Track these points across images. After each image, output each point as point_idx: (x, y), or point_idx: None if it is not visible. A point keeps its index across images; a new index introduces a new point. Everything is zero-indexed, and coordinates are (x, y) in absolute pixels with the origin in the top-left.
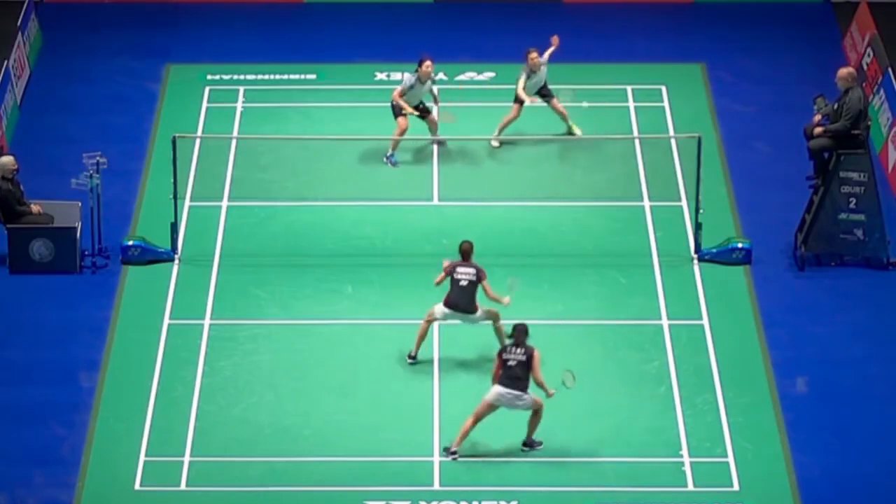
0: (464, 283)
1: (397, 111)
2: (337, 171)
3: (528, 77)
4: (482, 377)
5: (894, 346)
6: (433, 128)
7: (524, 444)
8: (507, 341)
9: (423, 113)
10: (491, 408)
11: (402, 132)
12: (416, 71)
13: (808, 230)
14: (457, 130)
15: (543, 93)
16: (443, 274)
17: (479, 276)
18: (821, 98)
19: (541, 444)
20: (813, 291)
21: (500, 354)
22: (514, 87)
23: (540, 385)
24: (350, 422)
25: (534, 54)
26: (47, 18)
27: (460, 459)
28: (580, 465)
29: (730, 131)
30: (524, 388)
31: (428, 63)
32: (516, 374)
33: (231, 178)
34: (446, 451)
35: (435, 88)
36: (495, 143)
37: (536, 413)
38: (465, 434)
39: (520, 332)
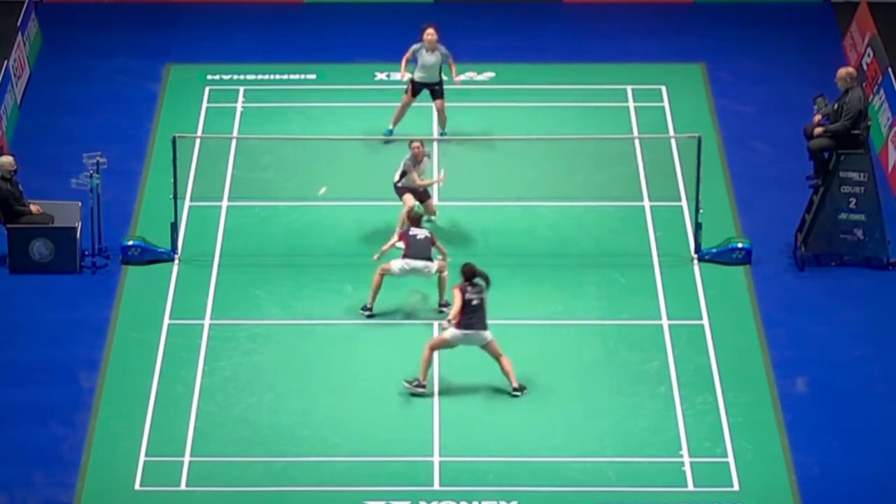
0: (420, 237)
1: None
2: (337, 171)
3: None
4: (482, 377)
5: (894, 346)
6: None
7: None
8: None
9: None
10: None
11: (404, 107)
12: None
13: (808, 230)
14: (458, 130)
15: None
16: (396, 238)
17: (431, 237)
18: (821, 98)
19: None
20: (813, 291)
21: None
22: (514, 87)
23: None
24: (350, 422)
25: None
26: (47, 18)
27: (460, 459)
28: (580, 465)
29: (730, 131)
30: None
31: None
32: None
33: (231, 178)
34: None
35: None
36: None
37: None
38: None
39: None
